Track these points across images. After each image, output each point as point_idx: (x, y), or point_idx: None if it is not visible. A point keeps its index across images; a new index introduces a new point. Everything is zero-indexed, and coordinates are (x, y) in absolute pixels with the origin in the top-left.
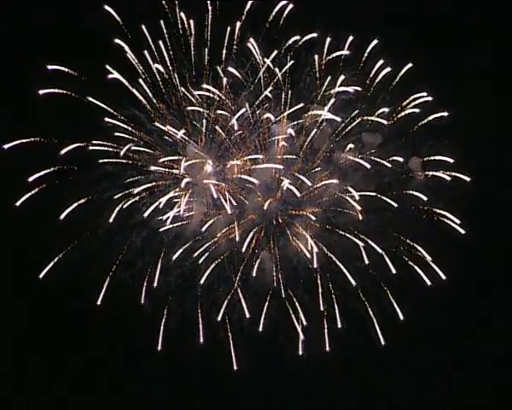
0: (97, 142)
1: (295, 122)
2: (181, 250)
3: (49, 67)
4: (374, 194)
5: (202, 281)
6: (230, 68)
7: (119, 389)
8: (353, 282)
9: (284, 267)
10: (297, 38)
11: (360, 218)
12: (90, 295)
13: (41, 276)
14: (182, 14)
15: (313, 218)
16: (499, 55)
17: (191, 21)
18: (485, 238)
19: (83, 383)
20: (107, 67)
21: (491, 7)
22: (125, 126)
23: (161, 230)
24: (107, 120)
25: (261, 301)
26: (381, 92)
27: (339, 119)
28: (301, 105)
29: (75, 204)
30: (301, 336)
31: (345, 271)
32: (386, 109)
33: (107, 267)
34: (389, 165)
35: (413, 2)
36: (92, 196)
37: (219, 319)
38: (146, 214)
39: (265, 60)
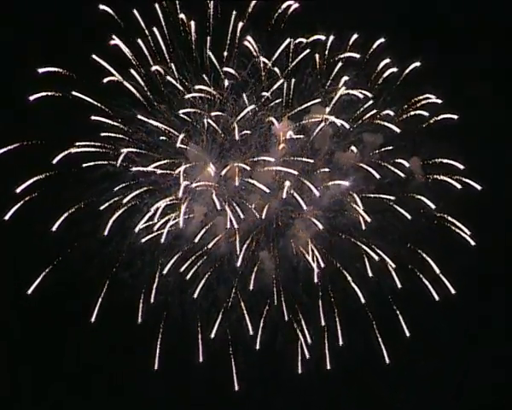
0: (83, 143)
1: (298, 123)
2: (172, 261)
3: (40, 70)
4: (385, 197)
5: (196, 295)
6: (232, 70)
7: (117, 390)
8: (362, 299)
9: (284, 268)
10: (302, 40)
11: (364, 228)
12: (90, 296)
13: (30, 291)
14: (183, 16)
15: (318, 225)
16: (499, 55)
17: (192, 23)
18: (487, 240)
19: (80, 386)
20: (94, 56)
21: (491, 7)
22: (125, 128)
23: (143, 241)
24: (93, 118)
25: (260, 306)
26: (384, 92)
27: (347, 125)
28: (310, 104)
29: (70, 210)
30: (306, 355)
31: (355, 287)
32: (391, 113)
33: (106, 268)
34: (399, 173)
35: (413, 2)
36: (87, 200)
37: (213, 336)
38: (136, 229)
39: (265, 60)
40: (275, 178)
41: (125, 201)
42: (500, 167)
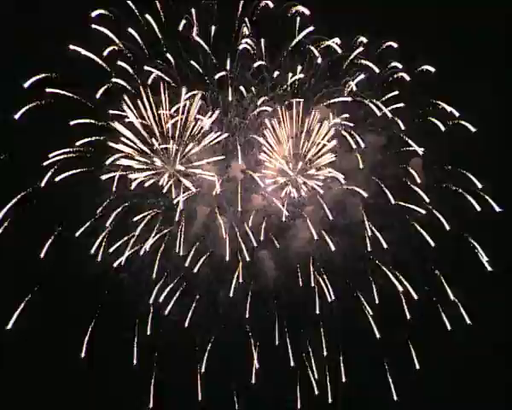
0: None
1: (305, 126)
2: (165, 292)
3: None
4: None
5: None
6: (235, 72)
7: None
8: (377, 334)
9: (284, 268)
10: (308, 44)
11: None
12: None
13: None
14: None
15: (331, 246)
16: (499, 55)
17: (195, 27)
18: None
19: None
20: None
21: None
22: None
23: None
24: (71, 123)
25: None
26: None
27: (363, 144)
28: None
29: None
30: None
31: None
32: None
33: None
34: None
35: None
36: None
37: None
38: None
39: (264, 63)
40: (277, 180)
41: (116, 211)
42: (500, 167)
